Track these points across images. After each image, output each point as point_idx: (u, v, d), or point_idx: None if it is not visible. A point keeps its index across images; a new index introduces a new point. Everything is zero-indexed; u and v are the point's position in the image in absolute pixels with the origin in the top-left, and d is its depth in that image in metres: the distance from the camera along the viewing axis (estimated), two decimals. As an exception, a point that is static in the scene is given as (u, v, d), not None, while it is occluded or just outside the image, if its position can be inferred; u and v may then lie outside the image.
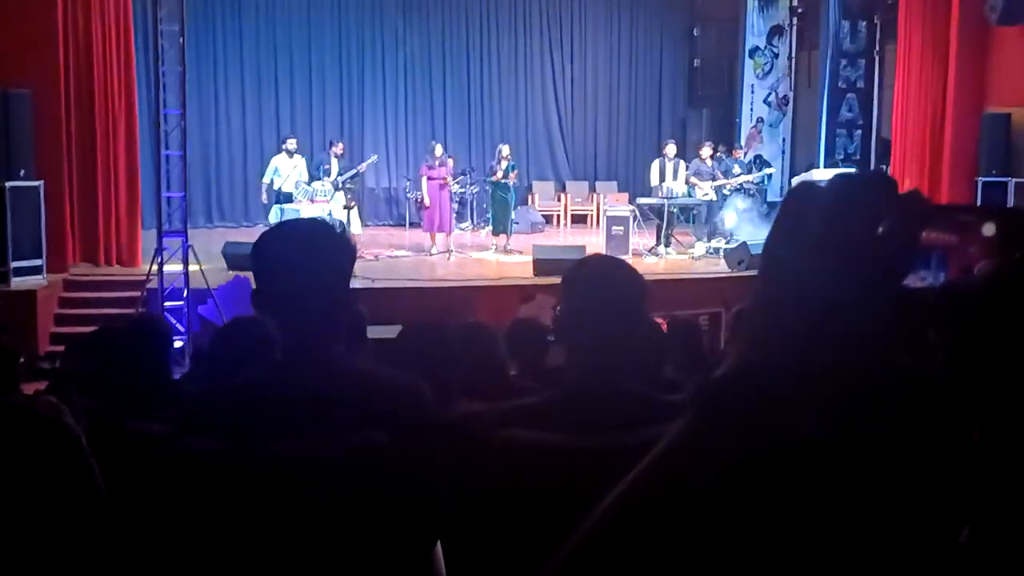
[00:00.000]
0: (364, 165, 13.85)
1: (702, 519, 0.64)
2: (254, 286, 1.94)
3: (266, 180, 13.08)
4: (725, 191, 13.74)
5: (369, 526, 1.84)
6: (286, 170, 12.99)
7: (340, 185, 13.07)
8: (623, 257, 12.29)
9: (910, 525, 0.69)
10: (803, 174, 14.64)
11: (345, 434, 1.83)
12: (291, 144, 13.22)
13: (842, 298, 0.62)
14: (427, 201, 13.13)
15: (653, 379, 2.94)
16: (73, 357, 5.04)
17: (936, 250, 0.67)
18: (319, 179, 12.93)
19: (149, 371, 3.33)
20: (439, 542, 2.20)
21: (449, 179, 13.27)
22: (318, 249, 1.91)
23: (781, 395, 0.62)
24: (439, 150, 13.46)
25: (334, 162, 13.19)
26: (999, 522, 0.64)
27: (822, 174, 13.98)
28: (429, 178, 13.14)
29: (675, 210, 13.50)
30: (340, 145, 13.66)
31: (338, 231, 1.99)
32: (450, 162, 13.60)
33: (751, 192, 14.30)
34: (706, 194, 13.59)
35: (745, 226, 13.23)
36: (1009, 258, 0.67)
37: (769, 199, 15.80)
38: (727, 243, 13.10)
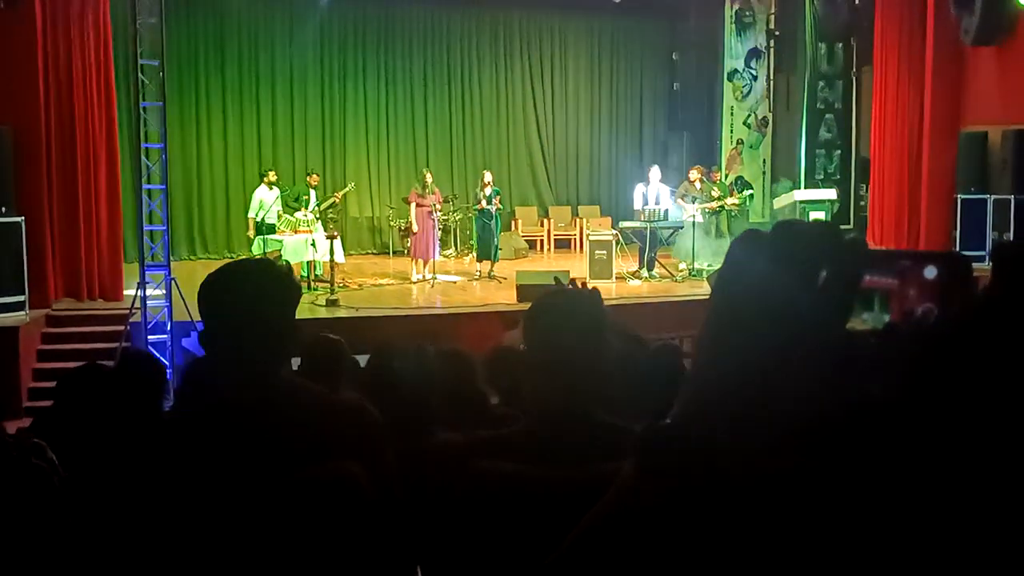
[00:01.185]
0: (340, 193, 13.91)
1: (651, 566, 0.65)
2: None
3: (252, 215, 13.10)
4: (708, 212, 13.83)
5: (340, 558, 1.84)
6: (269, 202, 13.03)
7: (320, 215, 13.14)
8: (606, 282, 12.40)
9: (861, 559, 0.69)
10: (783, 195, 14.73)
11: (309, 464, 1.84)
12: (272, 176, 13.27)
13: (786, 341, 0.64)
14: (415, 228, 13.15)
15: (630, 406, 2.94)
16: (60, 394, 5.00)
17: (878, 293, 0.69)
18: (297, 210, 12.97)
19: (141, 407, 3.31)
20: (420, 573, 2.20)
21: (436, 207, 13.30)
22: (257, 285, 1.99)
23: (723, 441, 0.63)
24: (429, 178, 13.49)
25: (312, 192, 13.26)
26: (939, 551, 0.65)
27: (802, 194, 14.10)
28: (418, 205, 13.16)
29: (658, 232, 13.56)
30: (316, 176, 13.79)
31: (280, 268, 2.06)
32: (437, 191, 13.65)
33: (733, 214, 14.40)
34: (692, 216, 13.66)
35: (705, 249, 13.43)
36: (956, 302, 0.68)
37: (751, 220, 15.89)
38: (687, 269, 13.25)
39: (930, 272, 0.68)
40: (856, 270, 0.65)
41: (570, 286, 3.95)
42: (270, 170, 13.53)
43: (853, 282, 0.65)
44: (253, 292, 1.97)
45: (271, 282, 2.00)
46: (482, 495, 1.93)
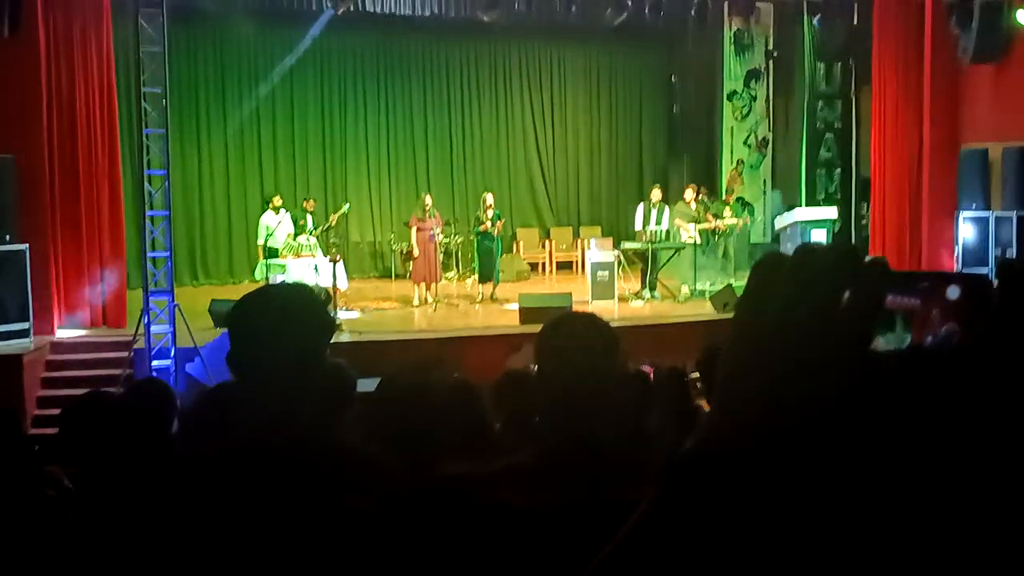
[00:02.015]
0: (335, 216, 13.97)
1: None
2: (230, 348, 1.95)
3: (261, 242, 13.16)
4: (705, 232, 13.88)
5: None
6: (274, 226, 13.09)
7: (318, 238, 13.23)
8: (608, 303, 12.40)
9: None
10: (785, 214, 14.75)
11: (321, 503, 1.83)
12: (277, 201, 13.36)
13: (809, 365, 0.64)
14: (416, 252, 13.17)
15: (636, 433, 2.94)
16: (66, 422, 5.00)
17: (900, 314, 0.69)
18: (300, 234, 13.05)
19: (149, 436, 3.31)
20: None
21: (437, 230, 13.33)
22: (295, 317, 1.91)
23: (751, 466, 0.63)
24: (428, 201, 13.53)
25: (308, 218, 13.34)
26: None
27: (803, 214, 14.12)
28: (419, 229, 13.19)
29: (660, 253, 13.59)
30: (312, 201, 13.90)
31: (317, 297, 2.00)
32: (438, 215, 13.68)
33: (734, 234, 14.45)
34: (691, 236, 13.69)
35: (707, 270, 13.56)
36: (980, 323, 0.68)
37: (752, 241, 15.92)
38: (689, 290, 13.30)
39: (952, 292, 0.69)
40: (878, 291, 0.65)
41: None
42: (275, 196, 13.62)
43: (876, 304, 0.65)
44: (287, 318, 1.90)
45: (306, 309, 1.93)
46: (491, 529, 1.92)
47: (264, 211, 13.54)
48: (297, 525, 1.80)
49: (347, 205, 14.76)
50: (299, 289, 2.05)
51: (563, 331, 2.01)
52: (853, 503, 0.66)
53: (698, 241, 13.74)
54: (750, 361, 0.65)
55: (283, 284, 3.28)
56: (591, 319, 2.13)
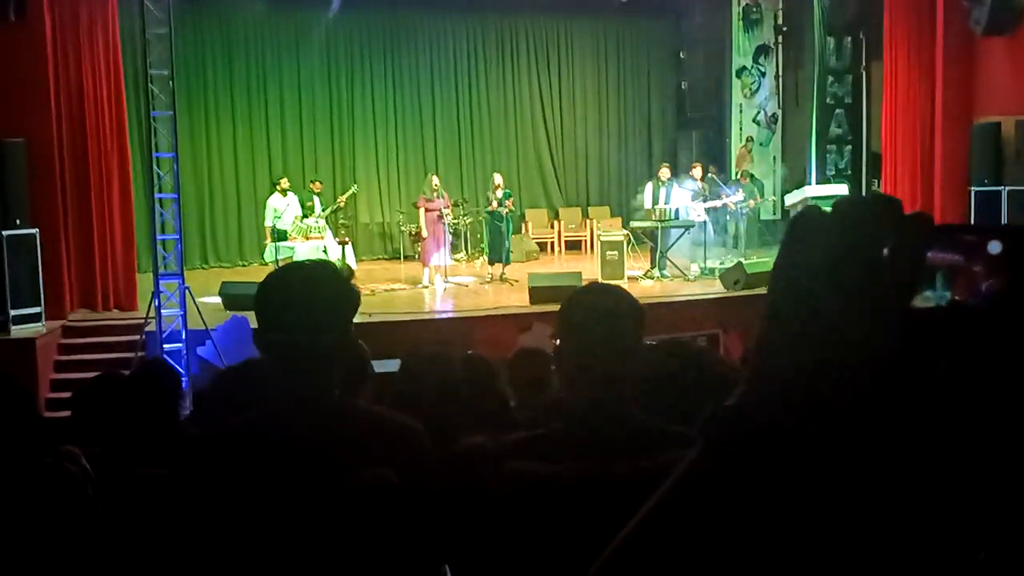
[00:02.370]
0: (343, 198, 13.97)
1: (717, 550, 0.64)
2: (255, 326, 1.96)
3: (269, 224, 13.17)
4: (713, 211, 13.89)
5: (374, 559, 1.84)
6: (282, 209, 13.10)
7: (327, 221, 13.24)
8: (618, 282, 12.38)
9: (924, 544, 0.68)
10: (795, 191, 14.69)
11: (345, 473, 1.84)
12: (284, 183, 13.35)
13: (850, 321, 0.63)
14: (424, 233, 13.15)
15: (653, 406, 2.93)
16: (78, 404, 5.02)
17: (941, 270, 0.67)
18: (306, 216, 13.06)
19: (158, 416, 3.32)
20: (449, 572, 2.20)
21: (445, 211, 13.31)
22: (320, 293, 1.94)
23: (792, 421, 0.62)
24: (436, 182, 13.50)
25: (316, 200, 13.34)
26: (1016, 542, 0.64)
27: (814, 191, 14.06)
28: (427, 210, 13.17)
29: (669, 231, 13.56)
30: (318, 183, 13.88)
31: (342, 274, 2.02)
32: (445, 195, 13.66)
33: (745, 211, 14.41)
34: (699, 215, 13.65)
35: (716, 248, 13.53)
36: (1016, 276, 0.67)
37: (762, 218, 15.86)
38: (699, 268, 13.28)
39: (994, 247, 0.67)
40: (919, 246, 0.64)
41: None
42: (282, 178, 13.62)
43: (917, 258, 0.64)
44: (311, 295, 1.92)
45: (331, 286, 1.96)
46: (516, 496, 1.92)
47: (272, 193, 13.54)
48: (321, 496, 1.81)
49: (355, 186, 14.74)
50: (323, 266, 2.08)
51: (585, 302, 2.01)
52: (894, 459, 0.65)
53: (706, 219, 13.72)
54: (790, 314, 0.64)
55: (307, 261, 3.30)
56: (613, 289, 2.12)
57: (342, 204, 13.92)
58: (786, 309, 0.65)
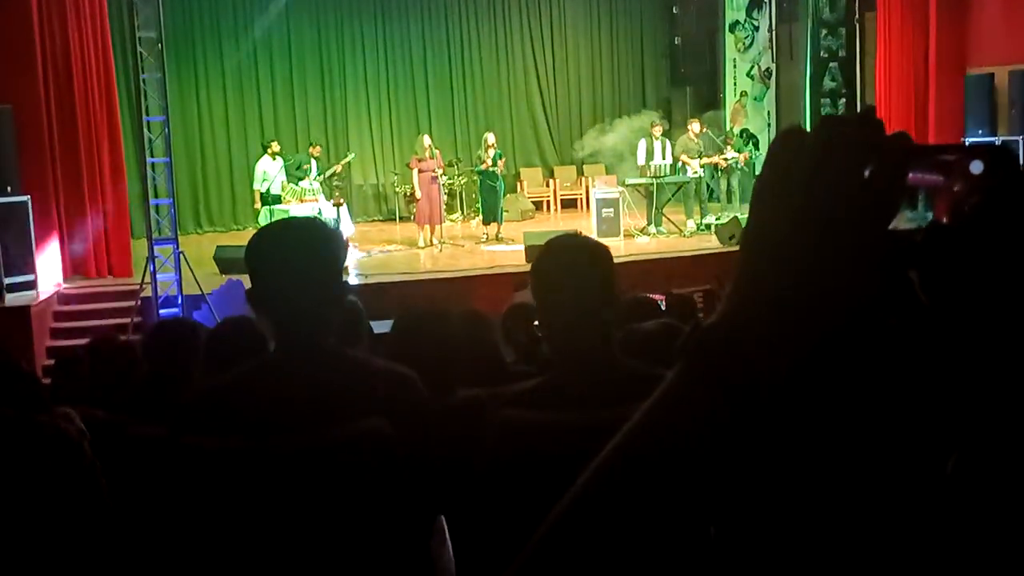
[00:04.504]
0: (340, 165, 13.89)
1: (698, 470, 0.64)
2: (249, 285, 1.98)
3: (258, 187, 13.08)
4: (710, 167, 13.85)
5: (369, 511, 1.86)
6: (273, 172, 13.02)
7: (318, 185, 13.14)
8: (614, 239, 12.37)
9: (897, 458, 0.69)
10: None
11: (341, 422, 1.85)
12: (275, 147, 13.23)
13: (830, 241, 0.62)
14: (418, 194, 13.11)
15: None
16: (67, 370, 5.04)
17: (923, 191, 0.67)
18: (300, 179, 12.96)
19: (175, 371, 3.32)
20: (445, 525, 2.22)
21: (439, 171, 13.25)
22: (309, 245, 1.96)
23: (770, 341, 0.62)
24: (427, 141, 13.43)
25: (313, 163, 13.25)
26: (986, 453, 0.64)
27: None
28: (419, 171, 13.11)
29: (665, 188, 13.54)
30: (317, 147, 13.76)
31: (330, 227, 2.04)
32: (439, 154, 13.59)
33: (740, 168, 14.37)
34: (696, 172, 13.62)
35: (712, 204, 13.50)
36: (993, 193, 0.66)
37: (757, 174, 15.79)
38: (695, 224, 13.25)
39: (976, 167, 0.67)
40: (901, 166, 0.64)
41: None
42: (272, 141, 13.51)
43: (898, 178, 0.63)
44: (302, 248, 1.95)
45: (320, 239, 1.99)
46: (509, 442, 1.93)
47: (262, 156, 13.44)
48: (314, 447, 1.82)
49: (352, 154, 14.63)
50: (308, 219, 2.09)
51: (551, 254, 2.04)
52: (879, 381, 0.65)
53: (702, 175, 13.69)
54: (772, 233, 0.64)
55: (291, 217, 3.32)
56: (577, 239, 2.15)
57: (339, 171, 13.84)
58: (766, 230, 0.65)
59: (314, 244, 1.96)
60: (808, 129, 0.66)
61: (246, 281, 2.00)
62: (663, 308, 4.34)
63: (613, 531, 0.64)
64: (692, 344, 0.64)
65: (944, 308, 0.65)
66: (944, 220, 0.66)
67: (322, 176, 13.28)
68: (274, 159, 13.09)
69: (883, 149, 0.63)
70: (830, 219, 0.62)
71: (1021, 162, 0.70)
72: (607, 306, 1.98)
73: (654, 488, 0.64)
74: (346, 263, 2.16)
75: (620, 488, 0.65)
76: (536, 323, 3.89)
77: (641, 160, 13.62)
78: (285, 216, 12.32)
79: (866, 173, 0.63)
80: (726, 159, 14.20)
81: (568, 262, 2.00)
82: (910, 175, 0.65)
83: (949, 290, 0.65)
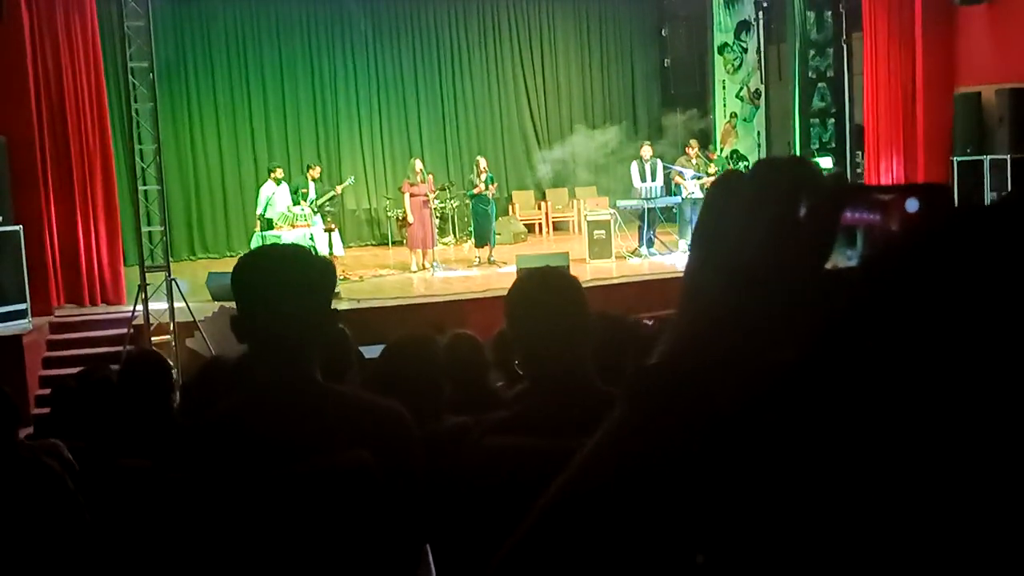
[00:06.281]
0: (340, 188, 13.90)
1: (641, 506, 0.65)
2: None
3: (260, 211, 13.06)
4: (704, 188, 13.87)
5: (354, 542, 1.86)
6: (275, 198, 12.98)
7: (318, 208, 13.12)
8: (606, 261, 12.40)
9: (846, 496, 0.70)
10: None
11: (326, 455, 1.85)
12: (278, 173, 13.18)
13: (767, 280, 0.64)
14: (410, 218, 13.14)
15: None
16: (61, 400, 5.04)
17: (861, 229, 0.69)
18: (297, 204, 12.96)
19: (150, 407, 3.32)
20: (430, 552, 2.22)
21: (431, 195, 13.29)
22: (296, 273, 1.92)
23: (710, 379, 0.64)
24: (419, 166, 13.48)
25: (311, 185, 13.24)
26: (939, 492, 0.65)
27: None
28: (411, 195, 13.15)
29: (656, 210, 13.58)
30: (317, 168, 13.72)
31: (317, 255, 2.03)
32: (430, 178, 13.63)
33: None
34: (691, 192, 13.67)
35: None
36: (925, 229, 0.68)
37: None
38: (687, 245, 13.22)
39: (911, 205, 0.69)
40: (836, 205, 0.65)
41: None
42: (277, 167, 13.43)
43: (834, 217, 0.65)
44: (286, 278, 1.90)
45: (307, 268, 1.94)
46: (491, 469, 1.94)
47: (266, 181, 13.42)
48: (297, 480, 1.82)
49: (351, 179, 14.64)
50: (296, 248, 2.08)
51: (520, 286, 2.08)
52: (817, 414, 0.67)
53: (700, 196, 13.74)
54: (708, 275, 0.66)
55: (277, 244, 3.29)
56: (544, 270, 2.19)
57: (338, 193, 13.86)
58: (706, 269, 0.67)
59: (299, 274, 1.92)
60: (744, 172, 0.68)
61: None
62: (648, 326, 4.35)
63: (563, 565, 0.66)
64: (636, 379, 0.66)
65: (882, 345, 0.67)
66: (872, 256, 0.68)
67: (321, 200, 13.27)
68: (278, 184, 13.05)
69: (818, 189, 0.65)
70: (766, 259, 0.64)
71: (956, 199, 0.72)
72: (579, 332, 2.01)
73: (598, 524, 0.66)
74: (337, 288, 2.15)
75: (565, 526, 0.66)
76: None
77: (636, 183, 13.67)
78: (277, 241, 12.35)
79: (802, 213, 0.65)
80: (710, 175, 14.25)
81: (536, 293, 2.04)
82: (847, 214, 0.67)
83: (884, 327, 0.67)
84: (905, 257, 0.62)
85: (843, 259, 0.68)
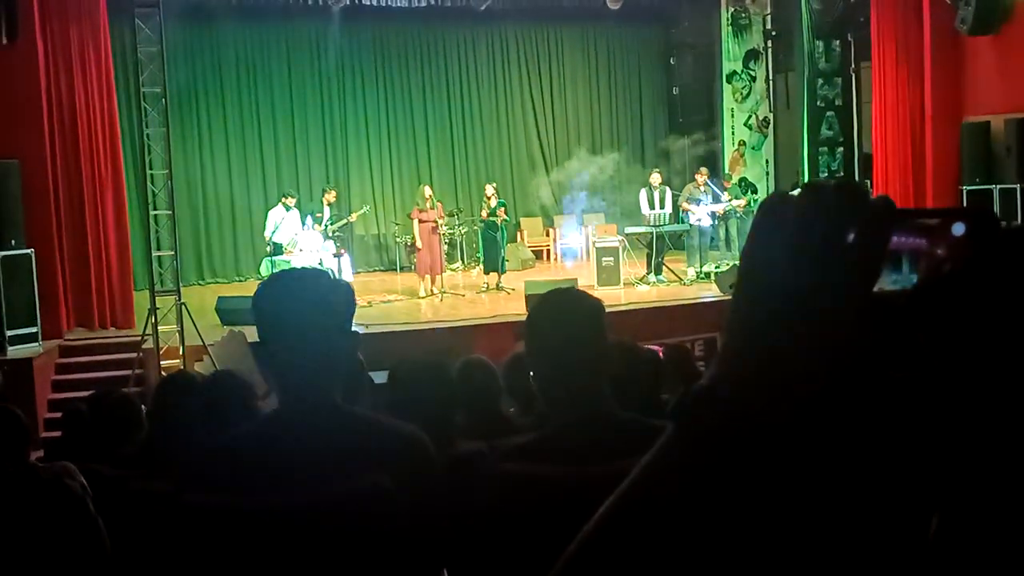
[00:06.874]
0: (355, 215, 13.95)
1: (689, 532, 0.65)
2: (251, 337, 1.98)
3: (268, 234, 13.06)
4: (714, 215, 13.91)
5: (372, 567, 1.85)
6: (280, 222, 13.01)
7: (330, 234, 13.15)
8: (615, 288, 12.40)
9: (884, 520, 0.70)
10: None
11: (345, 479, 1.85)
12: (290, 200, 13.18)
13: (815, 305, 0.64)
14: (419, 244, 13.16)
15: (649, 405, 2.95)
16: (75, 422, 5.04)
17: (906, 254, 0.69)
18: (309, 228, 12.99)
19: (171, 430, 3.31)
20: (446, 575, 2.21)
21: (439, 222, 13.33)
22: (317, 297, 1.93)
23: (760, 402, 0.64)
24: (427, 192, 13.52)
25: (326, 209, 13.27)
26: (967, 514, 0.65)
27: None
28: (420, 221, 13.18)
29: (665, 237, 13.60)
30: (333, 193, 13.77)
31: (336, 279, 2.02)
32: (440, 205, 13.67)
33: (739, 216, 14.44)
34: (699, 219, 13.69)
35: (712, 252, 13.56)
36: (977, 256, 0.68)
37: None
38: (696, 272, 13.29)
39: (958, 229, 0.69)
40: (883, 230, 0.66)
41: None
42: (291, 194, 13.43)
43: (881, 243, 0.65)
44: (308, 302, 1.91)
45: (327, 292, 1.95)
46: (507, 495, 1.93)
47: (275, 205, 13.43)
48: (315, 504, 1.82)
49: (366, 207, 14.66)
50: (316, 272, 2.08)
51: (542, 309, 2.05)
52: (865, 440, 0.67)
53: (708, 223, 13.77)
54: (758, 300, 0.66)
55: (297, 268, 3.27)
56: (568, 293, 2.16)
57: (353, 220, 13.90)
58: (754, 294, 0.67)
59: (321, 297, 1.93)
60: (791, 195, 0.68)
61: (248, 332, 1.99)
62: (660, 356, 4.35)
63: None
64: (684, 406, 0.66)
65: (932, 367, 0.67)
66: (927, 282, 0.68)
67: (335, 225, 13.29)
68: (288, 210, 13.07)
69: (866, 214, 0.66)
70: (814, 284, 0.64)
71: (1002, 224, 0.72)
72: (600, 358, 1.99)
73: (648, 547, 0.66)
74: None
75: (615, 551, 0.66)
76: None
77: (645, 210, 13.70)
78: (286, 267, 12.36)
79: (849, 238, 0.65)
80: (740, 205, 14.28)
81: (559, 316, 2.01)
82: (893, 239, 0.67)
83: (934, 351, 0.67)
84: (963, 283, 0.62)
85: (888, 283, 0.68)
